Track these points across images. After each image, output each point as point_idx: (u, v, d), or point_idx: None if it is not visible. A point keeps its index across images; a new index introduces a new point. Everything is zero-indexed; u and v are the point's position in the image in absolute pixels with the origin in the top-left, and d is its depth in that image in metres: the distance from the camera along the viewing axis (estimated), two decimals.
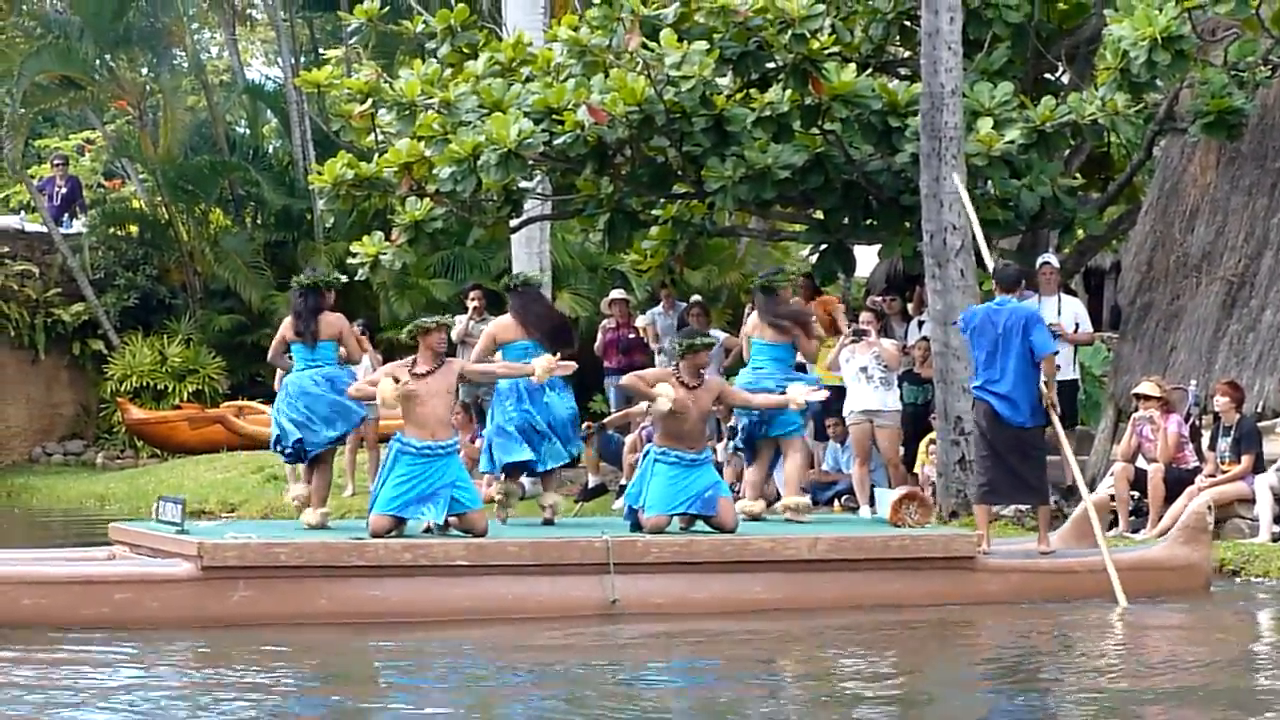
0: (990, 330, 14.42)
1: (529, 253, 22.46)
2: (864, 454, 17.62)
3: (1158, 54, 16.79)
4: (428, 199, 19.36)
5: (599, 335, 21.58)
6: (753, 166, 18.11)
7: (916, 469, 18.34)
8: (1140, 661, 11.79)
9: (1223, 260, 18.33)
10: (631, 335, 21.37)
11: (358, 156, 19.84)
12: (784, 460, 15.43)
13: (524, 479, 15.18)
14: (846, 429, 18.09)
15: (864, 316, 17.95)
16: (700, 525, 13.95)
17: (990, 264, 15.94)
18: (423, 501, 13.24)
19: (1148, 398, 16.90)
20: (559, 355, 14.38)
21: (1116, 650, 12.35)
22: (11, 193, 32.24)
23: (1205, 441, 17.01)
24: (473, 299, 20.54)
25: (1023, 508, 16.61)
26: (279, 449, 14.64)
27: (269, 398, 22.73)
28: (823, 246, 20.22)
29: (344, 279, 16.93)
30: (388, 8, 21.60)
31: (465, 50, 20.38)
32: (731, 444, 16.56)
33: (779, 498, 17.47)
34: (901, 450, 18.17)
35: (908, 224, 18.60)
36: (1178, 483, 16.43)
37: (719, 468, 17.51)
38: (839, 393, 17.91)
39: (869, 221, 19.43)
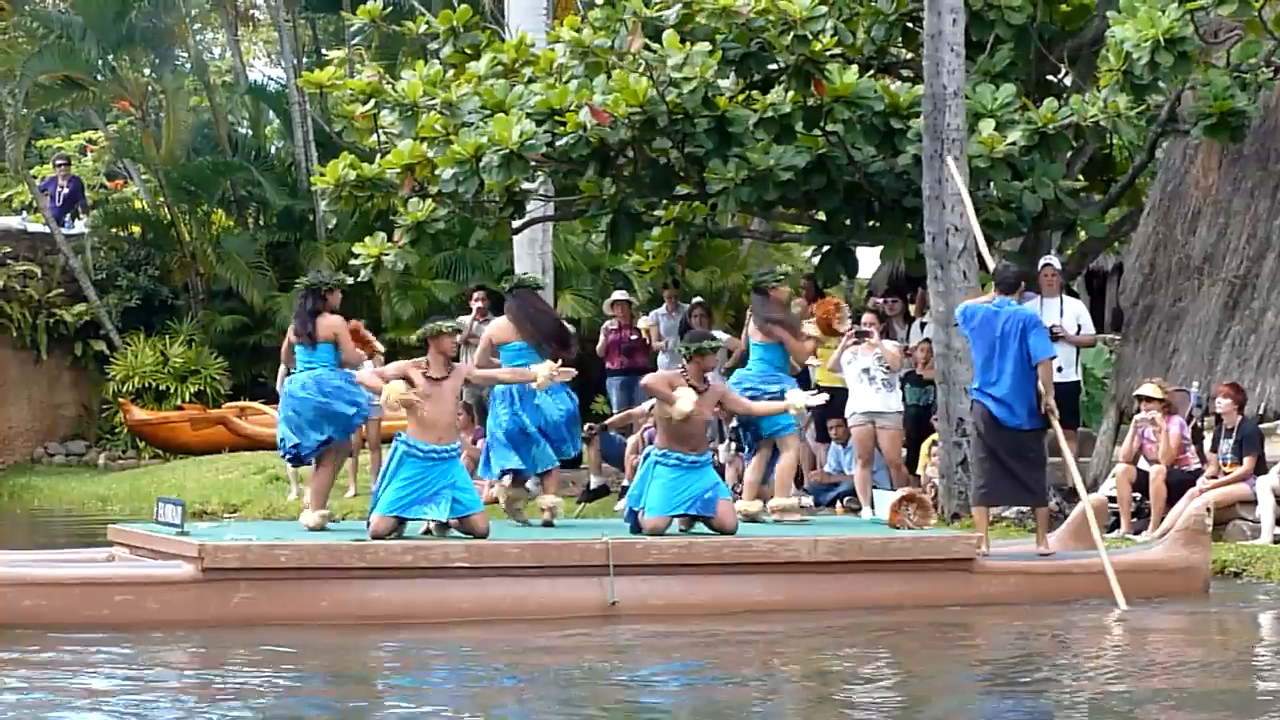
0: (988, 333, 14.41)
1: (531, 254, 22.45)
2: (866, 455, 17.63)
3: (1160, 56, 16.78)
4: (430, 200, 19.36)
5: (601, 336, 21.58)
6: (755, 168, 18.11)
7: (919, 471, 18.35)
8: (1139, 663, 11.78)
9: (1225, 262, 18.32)
10: (634, 336, 21.38)
11: (360, 157, 19.84)
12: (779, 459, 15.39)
13: (529, 482, 15.17)
14: (848, 430, 18.09)
15: (866, 318, 17.95)
16: (700, 527, 13.94)
17: (992, 265, 15.93)
18: (424, 503, 13.25)
19: (1150, 399, 16.89)
20: (560, 361, 14.39)
21: (1115, 652, 12.33)
22: (14, 193, 32.22)
23: (1207, 443, 17.00)
24: (476, 300, 20.55)
25: (1024, 509, 16.59)
26: (281, 451, 14.76)
27: (271, 399, 22.81)
28: (825, 248, 20.22)
29: (349, 280, 16.92)
30: (390, 8, 21.65)
31: (468, 51, 20.39)
32: (733, 444, 16.59)
33: None
34: (904, 452, 18.18)
35: (910, 226, 18.59)
36: (1179, 484, 16.42)
37: (720, 469, 17.52)
38: (841, 394, 17.93)
39: (871, 223, 19.44)
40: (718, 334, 19.41)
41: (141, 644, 11.81)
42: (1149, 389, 16.95)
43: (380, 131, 19.86)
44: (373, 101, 19.62)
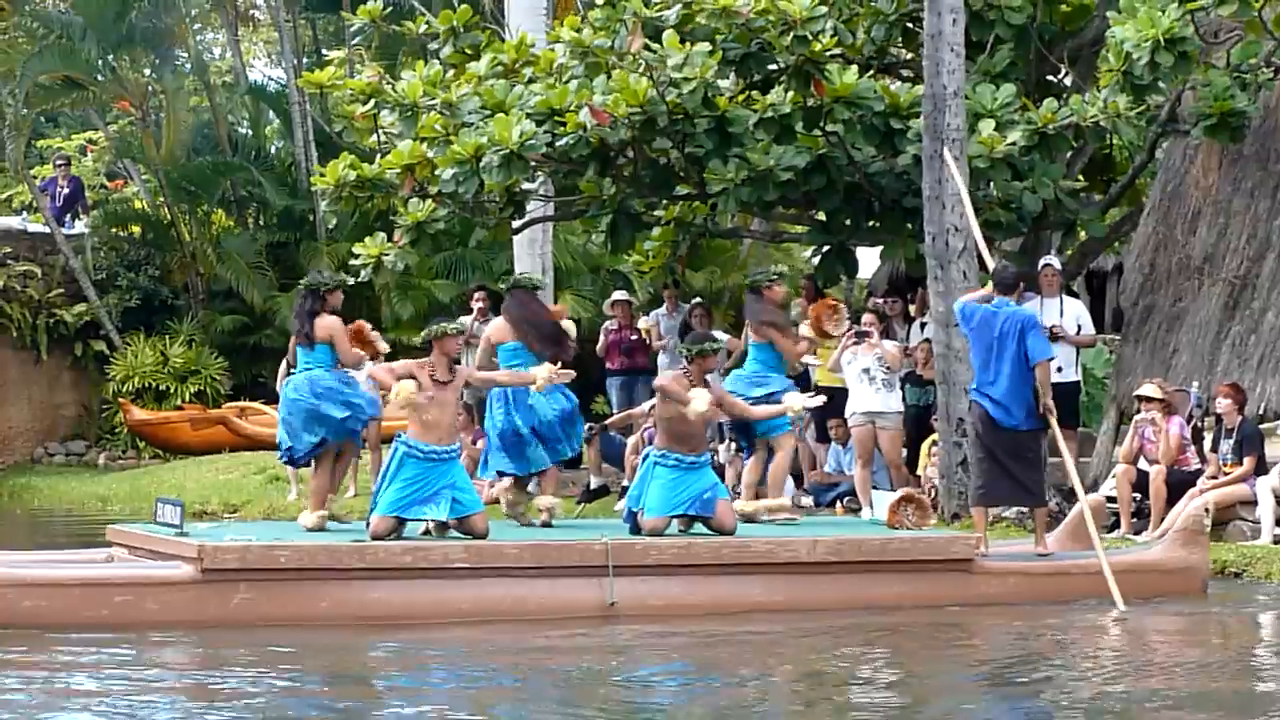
0: (986, 334, 14.41)
1: (531, 254, 22.44)
2: (866, 456, 17.63)
3: (1160, 56, 16.78)
4: (430, 200, 19.36)
5: (601, 337, 21.58)
6: (755, 168, 18.12)
7: (919, 471, 18.34)
8: (1137, 664, 11.77)
9: (1225, 262, 18.32)
10: (634, 337, 21.39)
11: (360, 157, 19.84)
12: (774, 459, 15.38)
13: (531, 484, 15.18)
14: (848, 431, 18.09)
15: (866, 318, 17.95)
16: (699, 527, 13.94)
17: (991, 265, 15.93)
18: (424, 503, 13.25)
19: (1150, 399, 16.88)
20: (560, 364, 14.40)
21: (1113, 653, 12.33)
22: (14, 193, 32.21)
23: (1207, 443, 16.99)
24: (477, 300, 20.54)
25: (1025, 510, 16.58)
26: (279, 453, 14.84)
27: (271, 399, 22.79)
28: (825, 248, 20.22)
29: (349, 280, 16.93)
30: (390, 9, 21.65)
31: (468, 51, 20.40)
32: (733, 445, 16.58)
33: None
34: (904, 452, 18.18)
35: (910, 226, 18.59)
36: (1180, 485, 16.41)
37: (720, 470, 17.51)
38: (841, 394, 17.93)
39: (871, 223, 19.44)
40: (718, 335, 19.41)
41: (141, 645, 11.81)
42: (1149, 389, 16.95)
43: (380, 132, 19.86)
44: (373, 102, 19.63)
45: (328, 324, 14.32)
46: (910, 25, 19.01)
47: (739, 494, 15.36)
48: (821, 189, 18.73)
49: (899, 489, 16.04)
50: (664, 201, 20.71)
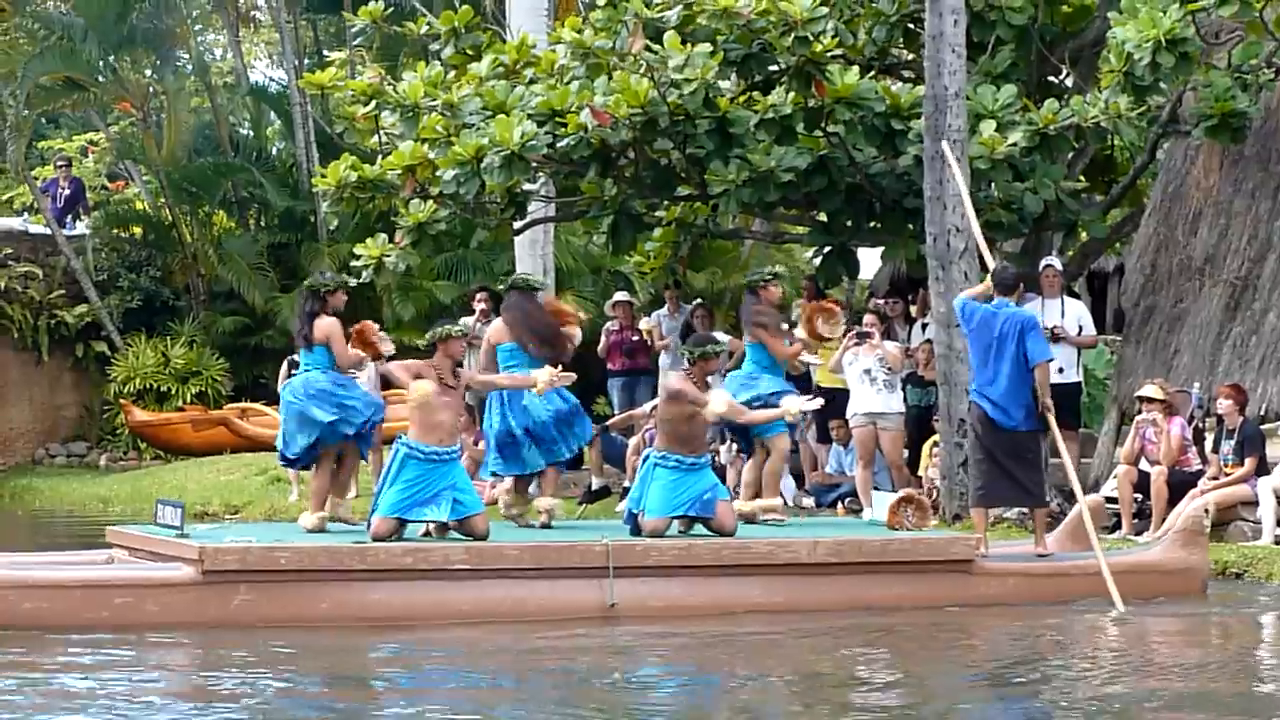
0: (986, 334, 14.39)
1: (533, 255, 22.44)
2: (867, 457, 17.62)
3: (1162, 56, 16.77)
4: (431, 201, 19.35)
5: (603, 337, 21.58)
6: (756, 169, 18.11)
7: (920, 472, 18.33)
8: (1136, 664, 11.77)
9: (1226, 263, 18.32)
10: (635, 338, 21.39)
11: (361, 158, 19.84)
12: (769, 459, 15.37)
13: (532, 486, 15.17)
14: (850, 431, 18.08)
15: (867, 319, 17.95)
16: (699, 528, 13.93)
17: (992, 266, 15.92)
18: (425, 504, 13.24)
19: (1151, 400, 16.87)
20: (560, 366, 14.40)
21: (1112, 653, 12.32)
22: (15, 194, 32.22)
23: (1208, 444, 16.98)
24: (479, 301, 20.53)
25: (1026, 510, 16.58)
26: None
27: (272, 400, 22.79)
28: (826, 249, 20.22)
29: (352, 281, 16.92)
30: (391, 9, 21.62)
31: (469, 52, 20.39)
32: (734, 446, 16.57)
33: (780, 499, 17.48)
34: (905, 453, 18.17)
35: (911, 226, 18.58)
36: (1181, 485, 16.41)
37: (722, 471, 17.51)
38: (843, 395, 17.93)
39: (872, 224, 19.44)
40: (720, 336, 19.42)
41: (141, 646, 11.81)
42: (1150, 390, 16.94)
43: (381, 133, 19.85)
44: (374, 103, 19.63)
45: (325, 325, 14.32)
46: (911, 26, 19.00)
47: (739, 494, 15.36)
48: (823, 190, 18.72)
49: (900, 490, 16.04)
50: (665, 202, 20.71)
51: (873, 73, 18.95)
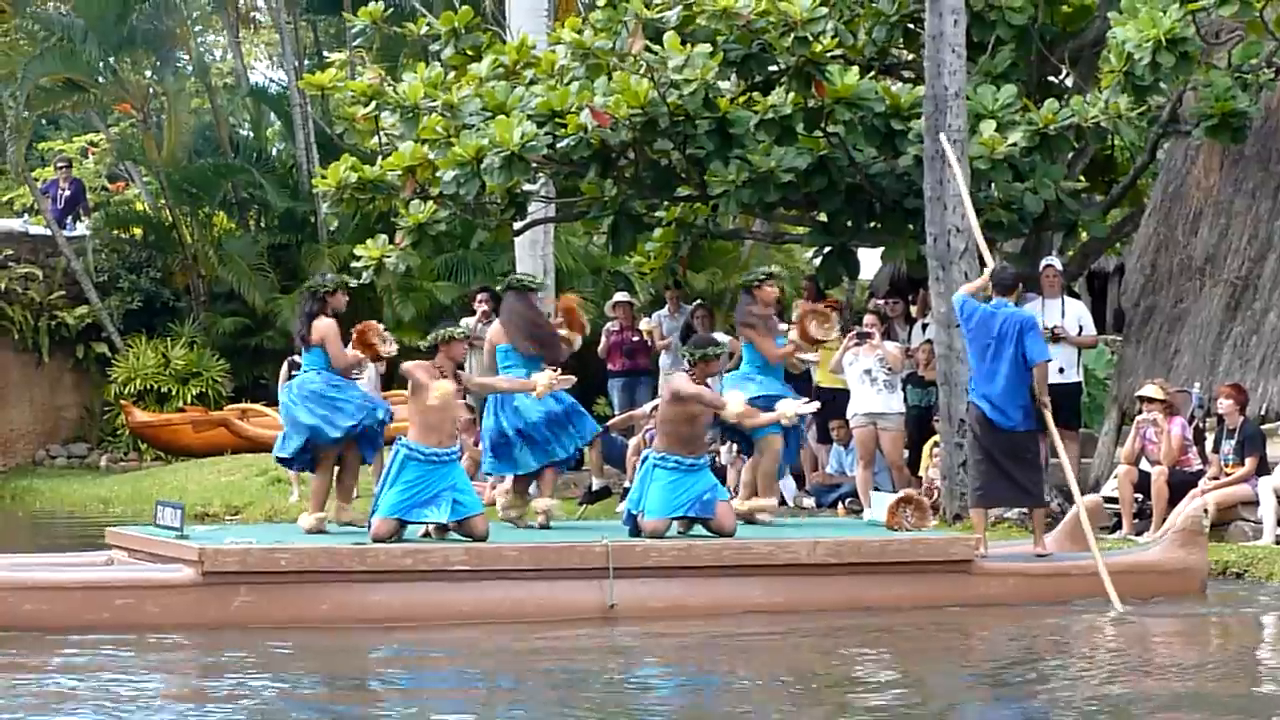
0: (984, 334, 14.39)
1: (533, 255, 22.43)
2: (868, 457, 17.62)
3: (1162, 56, 16.76)
4: (431, 202, 19.35)
5: (603, 338, 21.58)
6: (756, 169, 18.11)
7: (920, 472, 18.33)
8: (1134, 665, 11.77)
9: (1226, 263, 18.32)
10: (635, 338, 21.39)
11: (361, 159, 19.84)
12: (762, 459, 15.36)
13: (532, 487, 15.18)
14: (850, 432, 18.08)
15: (868, 319, 17.95)
16: (699, 529, 13.93)
17: (991, 266, 15.91)
18: (425, 505, 13.25)
19: (1151, 400, 16.87)
20: (559, 370, 14.41)
21: (1111, 654, 12.32)
22: (15, 195, 32.22)
23: (1209, 444, 16.98)
24: (480, 302, 20.52)
25: (1026, 510, 16.58)
26: None
27: (273, 401, 22.78)
28: (826, 249, 20.22)
29: (353, 282, 16.91)
30: (391, 10, 21.62)
31: (469, 53, 20.39)
32: (734, 447, 16.56)
33: (781, 499, 17.49)
34: (905, 453, 18.17)
35: (911, 227, 18.58)
36: (1181, 485, 16.40)
37: (722, 472, 17.52)
38: (843, 396, 17.92)
39: (872, 224, 19.43)
40: (720, 337, 19.42)
41: (141, 648, 11.81)
42: (1151, 390, 16.93)
43: (381, 133, 19.85)
44: (374, 103, 19.61)
45: (321, 327, 14.31)
46: (911, 26, 19.00)
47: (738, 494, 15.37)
48: (823, 190, 18.72)
49: (900, 490, 16.03)
50: (665, 203, 20.70)
51: (873, 73, 18.94)
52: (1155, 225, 19.25)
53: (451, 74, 19.92)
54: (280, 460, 14.86)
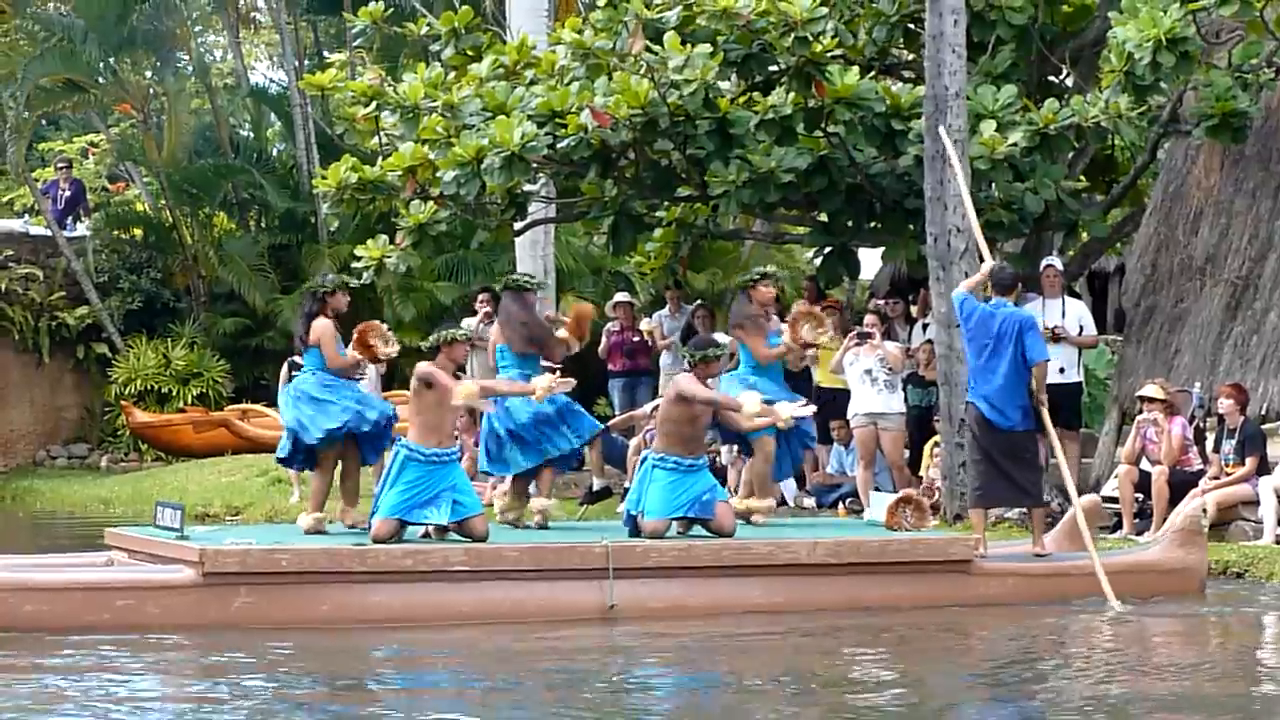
0: (983, 334, 14.38)
1: (533, 256, 22.44)
2: (868, 457, 17.63)
3: (1162, 56, 16.76)
4: (432, 202, 19.36)
5: (603, 338, 21.58)
6: (756, 170, 18.11)
7: (921, 472, 18.33)
8: (1133, 665, 11.76)
9: (1227, 263, 18.32)
10: (636, 338, 21.39)
11: (362, 160, 19.85)
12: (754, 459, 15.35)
13: (531, 487, 15.17)
14: (850, 432, 18.08)
15: (868, 319, 17.96)
16: (699, 529, 13.93)
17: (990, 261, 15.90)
18: (426, 506, 13.25)
19: (1152, 400, 16.87)
20: (557, 370, 14.41)
21: (1109, 653, 12.30)
22: (15, 196, 32.21)
23: (1209, 444, 16.99)
24: (481, 302, 20.52)
25: (1026, 510, 16.57)
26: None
27: (273, 401, 22.78)
28: (827, 250, 20.22)
29: (353, 282, 16.90)
30: (391, 10, 21.62)
31: (469, 53, 20.40)
32: (735, 447, 16.55)
33: (782, 500, 17.50)
34: (906, 453, 18.16)
35: (911, 227, 18.58)
36: (1182, 485, 16.41)
37: (723, 472, 17.51)
38: (843, 396, 17.92)
39: (873, 224, 19.44)
40: (720, 337, 19.41)
41: (141, 649, 11.81)
42: (1151, 390, 16.94)
43: (382, 134, 19.86)
44: (374, 104, 19.62)
45: (318, 327, 14.31)
46: (911, 26, 19.00)
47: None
48: (823, 190, 18.72)
49: (901, 490, 16.03)
50: (665, 203, 20.71)
51: (873, 73, 18.94)
52: (1156, 225, 19.25)
53: (452, 74, 19.93)
54: (280, 460, 14.88)
